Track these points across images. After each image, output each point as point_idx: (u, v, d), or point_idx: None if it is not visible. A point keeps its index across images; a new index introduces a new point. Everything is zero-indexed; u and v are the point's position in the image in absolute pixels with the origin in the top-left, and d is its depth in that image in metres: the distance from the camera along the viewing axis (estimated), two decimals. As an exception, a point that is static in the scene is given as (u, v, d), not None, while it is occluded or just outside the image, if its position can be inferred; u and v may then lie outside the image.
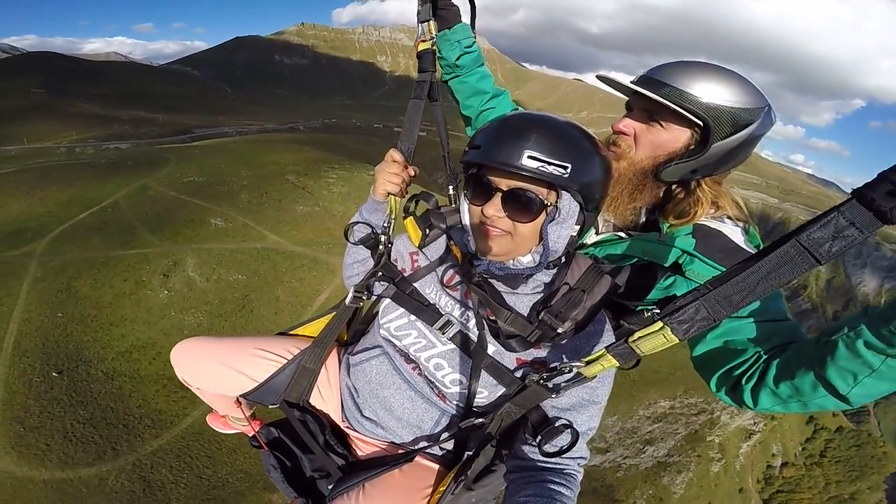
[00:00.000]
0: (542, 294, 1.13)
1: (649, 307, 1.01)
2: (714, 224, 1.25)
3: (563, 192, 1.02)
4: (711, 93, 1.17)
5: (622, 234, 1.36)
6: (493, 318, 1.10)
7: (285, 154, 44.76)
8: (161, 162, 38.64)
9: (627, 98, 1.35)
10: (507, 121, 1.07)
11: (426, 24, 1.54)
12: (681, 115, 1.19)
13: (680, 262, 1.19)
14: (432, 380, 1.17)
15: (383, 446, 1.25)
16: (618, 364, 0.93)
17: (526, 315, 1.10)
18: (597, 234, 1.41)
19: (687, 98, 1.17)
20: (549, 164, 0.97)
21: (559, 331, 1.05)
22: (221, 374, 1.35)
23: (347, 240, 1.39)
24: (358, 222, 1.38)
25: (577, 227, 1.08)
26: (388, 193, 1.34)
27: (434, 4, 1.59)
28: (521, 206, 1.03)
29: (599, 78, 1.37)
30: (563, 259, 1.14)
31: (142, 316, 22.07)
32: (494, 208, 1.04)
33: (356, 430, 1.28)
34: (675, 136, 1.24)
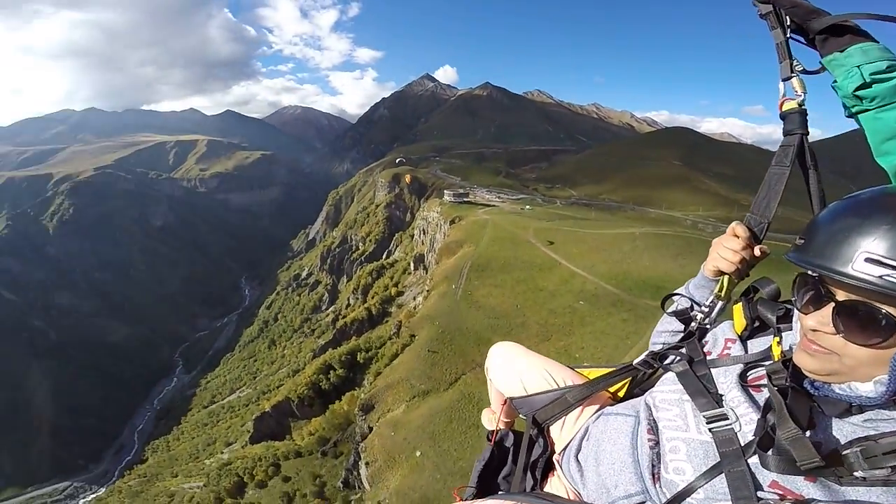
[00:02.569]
0: (871, 430, 0.82)
1: None
2: None
3: None
4: None
5: None
6: (776, 428, 0.86)
7: None
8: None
9: None
10: (845, 205, 0.85)
11: (790, 81, 1.29)
12: None
13: None
14: (660, 458, 1.04)
15: (571, 495, 1.21)
16: None
17: (831, 445, 0.83)
18: None
19: None
20: None
21: (855, 474, 0.77)
22: (509, 375, 1.55)
23: (663, 308, 1.37)
24: (680, 294, 1.36)
25: None
26: (720, 271, 1.24)
27: (809, 40, 1.28)
28: (859, 324, 0.79)
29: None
30: None
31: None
32: (819, 320, 0.83)
33: (561, 468, 1.27)
34: None
